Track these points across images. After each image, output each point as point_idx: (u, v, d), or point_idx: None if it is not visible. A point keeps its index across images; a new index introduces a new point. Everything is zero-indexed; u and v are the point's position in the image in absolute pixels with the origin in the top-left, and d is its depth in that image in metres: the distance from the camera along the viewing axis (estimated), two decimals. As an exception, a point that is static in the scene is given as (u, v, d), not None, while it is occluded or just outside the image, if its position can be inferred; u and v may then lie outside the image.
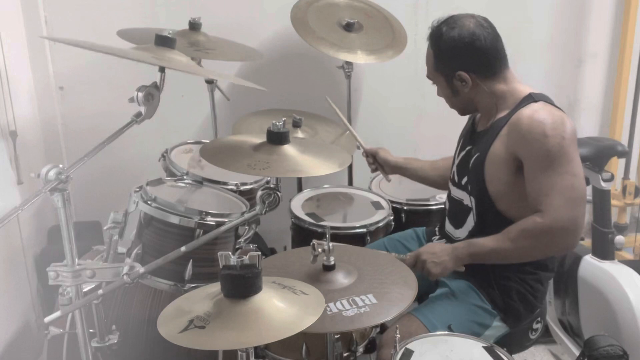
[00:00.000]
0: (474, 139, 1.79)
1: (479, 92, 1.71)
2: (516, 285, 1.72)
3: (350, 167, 2.72)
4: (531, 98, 1.66)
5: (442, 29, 1.69)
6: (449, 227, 1.87)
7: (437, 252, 1.68)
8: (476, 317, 1.70)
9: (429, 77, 1.79)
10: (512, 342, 1.77)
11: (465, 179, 1.77)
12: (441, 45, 1.69)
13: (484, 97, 1.72)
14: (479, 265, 1.71)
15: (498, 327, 1.73)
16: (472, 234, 1.75)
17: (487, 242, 1.65)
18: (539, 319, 1.81)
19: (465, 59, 1.68)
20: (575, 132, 1.63)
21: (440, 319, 1.65)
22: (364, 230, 2.11)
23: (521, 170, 1.63)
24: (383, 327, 1.77)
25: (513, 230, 1.62)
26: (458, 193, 1.81)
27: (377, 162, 2.14)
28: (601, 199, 2.14)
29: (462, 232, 1.79)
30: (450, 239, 1.84)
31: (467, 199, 1.77)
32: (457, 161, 1.85)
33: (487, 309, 1.71)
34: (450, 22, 1.69)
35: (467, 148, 1.80)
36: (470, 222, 1.76)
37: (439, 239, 1.90)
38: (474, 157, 1.73)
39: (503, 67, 1.71)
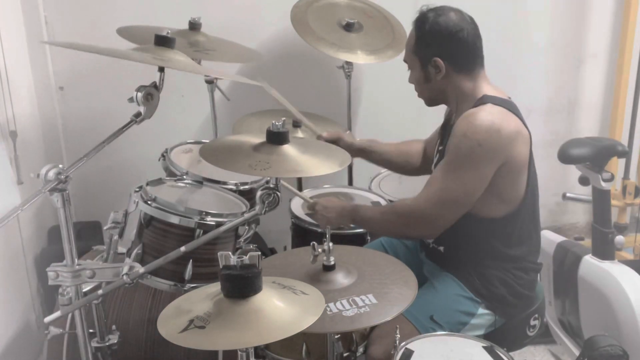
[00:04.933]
0: (444, 139, 1.82)
1: (449, 84, 1.74)
2: (496, 272, 1.74)
3: (350, 167, 2.72)
4: (481, 100, 1.69)
5: (429, 14, 1.73)
6: None
7: (328, 207, 1.83)
8: (459, 305, 1.72)
9: (405, 60, 1.82)
10: (509, 337, 1.77)
11: None
12: (425, 28, 1.72)
13: (452, 91, 1.75)
14: (458, 257, 1.76)
15: (485, 315, 1.73)
16: (448, 229, 1.75)
17: (367, 211, 1.81)
18: (536, 315, 1.81)
19: (445, 47, 1.71)
20: (510, 138, 1.62)
21: (422, 311, 1.67)
22: (364, 230, 2.11)
23: None
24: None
25: (388, 205, 1.75)
26: None
27: (340, 147, 2.04)
28: (601, 199, 2.14)
29: None
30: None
31: None
32: (434, 160, 1.87)
33: (469, 296, 1.73)
34: (438, 10, 1.73)
35: (440, 148, 1.84)
36: None
37: None
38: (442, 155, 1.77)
39: (477, 66, 1.75)
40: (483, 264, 1.74)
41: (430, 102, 1.85)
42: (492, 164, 1.63)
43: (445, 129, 1.87)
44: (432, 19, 1.71)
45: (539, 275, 1.86)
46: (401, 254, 1.97)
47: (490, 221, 1.71)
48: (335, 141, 2.08)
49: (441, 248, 1.82)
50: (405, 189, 2.38)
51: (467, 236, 1.73)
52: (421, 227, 1.71)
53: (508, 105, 1.69)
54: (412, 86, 2.96)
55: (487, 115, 1.63)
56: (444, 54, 1.70)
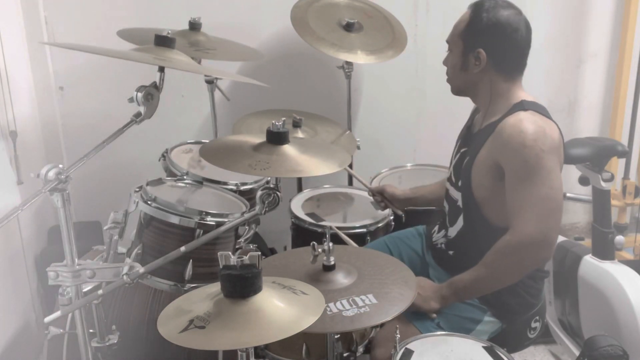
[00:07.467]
0: (469, 141, 1.80)
1: (484, 79, 1.70)
2: None
3: (350, 167, 2.72)
4: (521, 106, 1.65)
5: (489, 3, 1.67)
6: (446, 223, 1.88)
7: (425, 286, 1.70)
8: (465, 312, 1.71)
9: (449, 41, 1.76)
10: (510, 340, 1.77)
11: (460, 181, 1.78)
12: (482, 16, 1.66)
13: (484, 88, 1.72)
14: (467, 265, 1.70)
15: (491, 322, 1.73)
16: (461, 234, 1.77)
17: (466, 275, 1.66)
18: (537, 317, 1.81)
19: (493, 41, 1.67)
20: (560, 144, 1.63)
21: (429, 317, 1.67)
22: (364, 230, 2.11)
23: (504, 178, 1.62)
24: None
25: (487, 256, 1.63)
26: (455, 194, 1.82)
27: (386, 199, 2.13)
28: (601, 199, 2.14)
29: (453, 231, 1.81)
30: (446, 234, 1.84)
31: (460, 201, 1.78)
32: (454, 162, 1.85)
33: (475, 304, 1.72)
34: (501, 2, 1.69)
35: (463, 150, 1.81)
36: (460, 222, 1.78)
37: (438, 230, 1.90)
38: (466, 160, 1.74)
39: (515, 72, 1.71)
40: None
41: (458, 91, 1.79)
42: (559, 164, 1.62)
43: (470, 130, 1.83)
44: (492, 8, 1.66)
45: (545, 281, 1.85)
46: (405, 255, 1.96)
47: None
48: (381, 193, 2.13)
49: (451, 252, 1.80)
50: (405, 187, 2.38)
51: (479, 244, 1.69)
52: (538, 251, 1.59)
53: (547, 112, 1.67)
54: (412, 86, 2.99)
55: (537, 120, 1.60)
56: (491, 48, 1.66)
